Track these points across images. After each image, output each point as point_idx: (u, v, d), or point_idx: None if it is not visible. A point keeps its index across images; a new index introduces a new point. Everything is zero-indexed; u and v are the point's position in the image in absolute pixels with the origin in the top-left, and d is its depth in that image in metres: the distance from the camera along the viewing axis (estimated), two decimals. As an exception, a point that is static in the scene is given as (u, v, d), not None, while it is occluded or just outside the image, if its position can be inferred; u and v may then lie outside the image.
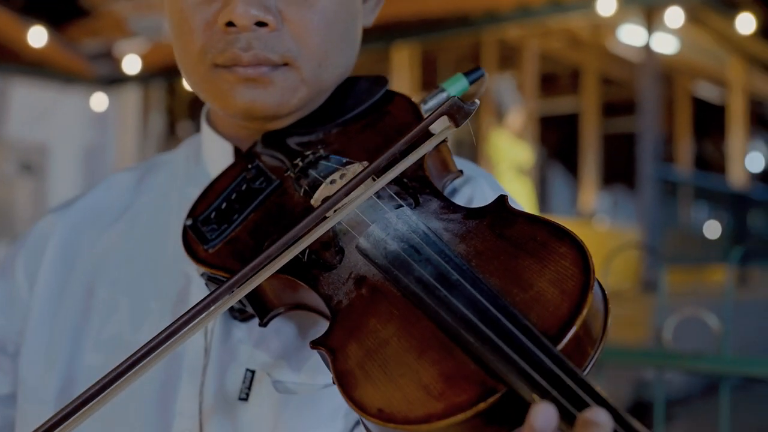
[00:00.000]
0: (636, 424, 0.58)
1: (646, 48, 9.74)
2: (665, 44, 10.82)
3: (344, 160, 0.89)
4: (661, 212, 9.70)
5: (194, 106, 12.89)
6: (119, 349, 0.96)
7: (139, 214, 1.06)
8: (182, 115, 13.36)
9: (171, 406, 0.92)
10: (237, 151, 1.02)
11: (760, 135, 16.46)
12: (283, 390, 0.88)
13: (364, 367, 0.69)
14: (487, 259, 0.72)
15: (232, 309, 0.90)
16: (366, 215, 0.80)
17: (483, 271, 0.71)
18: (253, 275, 0.74)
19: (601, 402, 0.59)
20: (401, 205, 0.81)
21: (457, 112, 0.78)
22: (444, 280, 0.70)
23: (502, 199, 0.78)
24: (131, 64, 10.64)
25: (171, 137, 12.85)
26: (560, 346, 0.63)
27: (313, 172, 0.89)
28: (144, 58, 10.77)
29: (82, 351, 0.98)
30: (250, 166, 0.95)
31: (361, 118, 0.97)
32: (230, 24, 0.90)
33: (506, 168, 8.53)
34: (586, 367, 0.67)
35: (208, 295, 0.73)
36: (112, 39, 11.40)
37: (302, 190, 0.88)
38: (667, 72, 11.91)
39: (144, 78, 11.48)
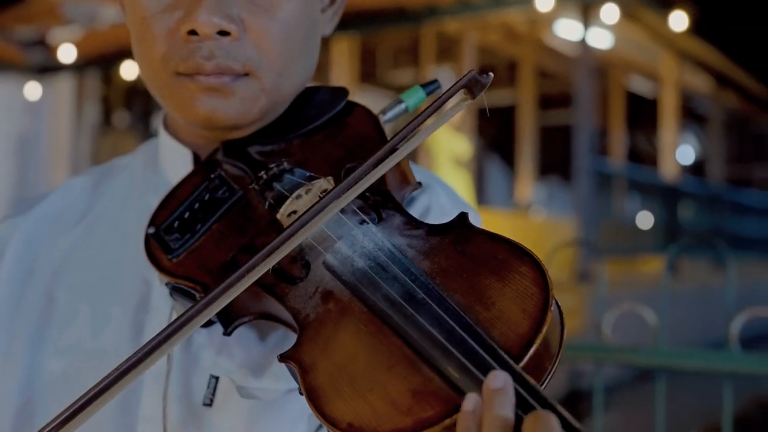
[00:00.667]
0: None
1: (582, 42, 9.91)
2: (600, 39, 11.02)
3: (308, 174, 0.89)
4: (595, 204, 9.88)
5: (130, 96, 12.69)
6: (80, 355, 0.96)
7: (97, 220, 1.05)
8: (118, 104, 13.12)
9: (134, 411, 0.92)
10: (196, 159, 1.01)
11: (690, 129, 16.88)
12: (247, 395, 0.88)
13: (333, 382, 0.70)
14: (450, 276, 0.74)
15: None
16: (331, 231, 0.81)
17: (447, 289, 0.73)
18: (225, 294, 0.73)
19: (560, 416, 0.62)
20: (365, 221, 0.81)
21: (474, 84, 0.79)
22: (410, 299, 0.71)
23: (463, 216, 0.79)
24: (65, 53, 10.42)
25: (106, 127, 12.62)
26: (522, 364, 0.66)
27: (278, 186, 0.89)
28: (78, 45, 10.55)
29: (42, 358, 0.97)
30: (212, 175, 0.94)
31: (322, 129, 0.97)
32: (192, 32, 0.90)
33: (445, 160, 8.61)
34: (544, 381, 0.69)
35: (180, 317, 0.72)
36: (46, 26, 11.15)
37: (267, 203, 0.88)
38: (602, 66, 12.13)
39: (78, 66, 11.25)
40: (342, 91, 1.02)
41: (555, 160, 13.07)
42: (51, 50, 10.82)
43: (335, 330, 0.74)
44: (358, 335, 0.72)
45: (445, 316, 0.69)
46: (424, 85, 1.01)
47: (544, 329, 0.67)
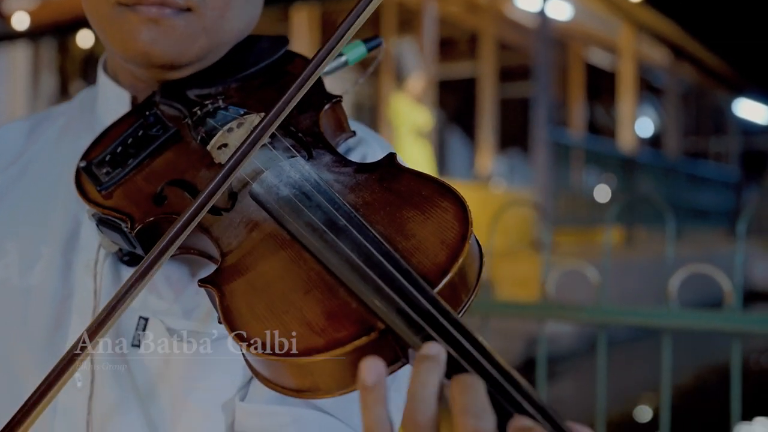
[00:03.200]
0: (498, 358, 0.63)
1: (542, 14, 9.96)
2: (560, 11, 11.09)
3: (242, 111, 0.91)
4: (554, 175, 9.97)
5: (87, 65, 12.51)
6: (6, 292, 0.96)
7: (30, 161, 1.06)
8: (75, 74, 12.94)
9: (61, 349, 0.91)
10: (134, 101, 1.02)
11: (648, 101, 17.05)
12: (177, 338, 0.89)
13: (250, 304, 0.72)
14: (374, 209, 0.76)
15: (120, 251, 0.91)
16: (260, 163, 0.83)
17: (370, 220, 0.75)
18: (173, 246, 0.76)
19: (470, 338, 0.64)
20: (295, 156, 0.84)
21: None
22: (332, 225, 0.74)
23: (392, 156, 0.82)
24: (20, 21, 10.24)
25: (63, 98, 12.45)
26: (437, 290, 0.68)
27: (210, 121, 0.91)
28: (33, 14, 10.37)
29: None
30: (147, 113, 0.96)
31: (260, 75, 0.99)
32: None
33: (407, 132, 8.65)
34: (460, 311, 0.71)
35: (129, 279, 0.74)
36: (-1, -5, 10.95)
37: (199, 137, 0.90)
38: (561, 38, 12.20)
39: (33, 35, 11.07)
40: (282, 40, 1.04)
41: (515, 133, 13.13)
42: (5, 19, 10.63)
43: (256, 257, 0.76)
44: (279, 261, 0.75)
45: (365, 242, 0.72)
46: (366, 41, 1.02)
47: (461, 260, 0.70)
